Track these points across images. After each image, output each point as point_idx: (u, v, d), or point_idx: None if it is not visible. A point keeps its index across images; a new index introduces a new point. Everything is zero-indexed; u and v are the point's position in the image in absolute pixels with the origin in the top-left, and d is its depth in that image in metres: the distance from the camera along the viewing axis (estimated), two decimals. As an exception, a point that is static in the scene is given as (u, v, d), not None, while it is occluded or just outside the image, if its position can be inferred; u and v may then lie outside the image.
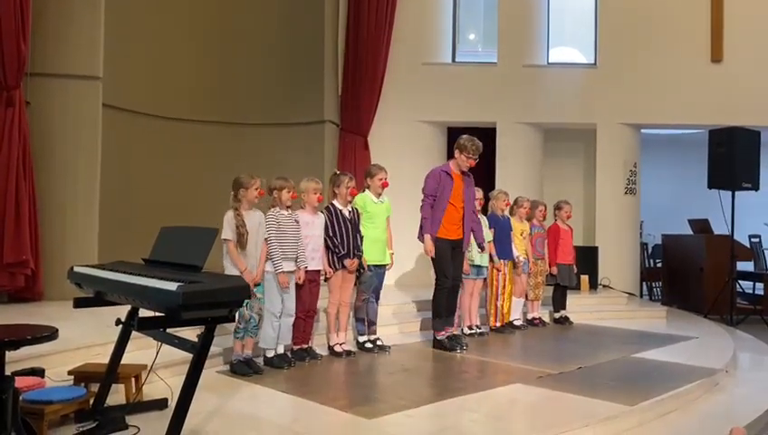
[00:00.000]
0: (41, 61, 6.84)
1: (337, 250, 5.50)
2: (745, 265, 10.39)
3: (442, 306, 6.03)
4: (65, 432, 3.51)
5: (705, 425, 4.21)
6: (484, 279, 6.86)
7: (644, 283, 11.25)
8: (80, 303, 3.71)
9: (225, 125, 9.60)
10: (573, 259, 7.81)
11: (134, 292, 3.15)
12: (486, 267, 6.79)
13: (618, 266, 9.86)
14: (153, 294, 2.97)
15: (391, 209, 6.04)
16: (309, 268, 5.29)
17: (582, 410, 4.13)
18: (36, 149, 6.77)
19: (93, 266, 3.78)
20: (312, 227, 5.39)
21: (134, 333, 3.64)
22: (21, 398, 3.14)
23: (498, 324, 7.04)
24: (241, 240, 4.77)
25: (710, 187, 8.95)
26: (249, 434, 3.68)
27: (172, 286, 2.86)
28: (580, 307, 8.11)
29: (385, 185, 5.89)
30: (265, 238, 4.99)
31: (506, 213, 7.19)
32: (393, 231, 6.09)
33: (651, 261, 12.09)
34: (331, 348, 5.66)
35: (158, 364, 3.79)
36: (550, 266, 7.57)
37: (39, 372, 3.97)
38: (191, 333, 3.82)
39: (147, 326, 3.15)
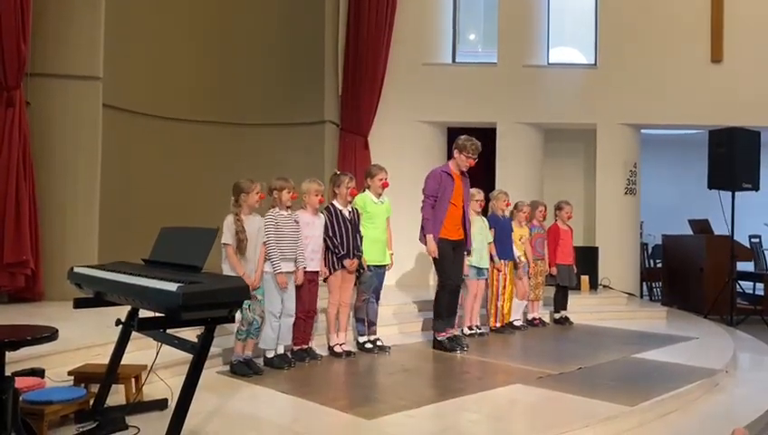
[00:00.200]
0: (41, 61, 6.84)
1: (337, 250, 5.50)
2: (745, 266, 10.40)
3: (444, 307, 6.02)
4: (65, 433, 3.51)
5: (706, 425, 4.21)
6: (486, 280, 6.86)
7: (644, 283, 11.25)
8: (80, 303, 3.71)
9: (225, 125, 9.60)
10: (573, 260, 7.80)
11: (134, 292, 3.15)
12: (487, 268, 6.79)
13: (618, 267, 9.86)
14: (153, 295, 2.97)
15: (391, 210, 6.04)
16: (308, 269, 5.29)
17: (582, 410, 4.13)
18: (36, 150, 6.77)
19: (93, 267, 3.78)
20: (313, 227, 5.39)
21: (134, 334, 3.64)
22: (21, 398, 3.14)
23: (498, 325, 7.04)
24: (240, 246, 4.77)
25: (710, 187, 8.95)
26: (249, 434, 3.68)
27: (172, 287, 2.86)
28: (581, 307, 8.11)
29: (385, 185, 5.89)
30: (264, 241, 4.99)
31: (506, 213, 7.19)
32: (393, 231, 6.09)
33: (651, 261, 12.09)
34: (330, 348, 5.66)
35: (158, 365, 3.78)
36: (549, 267, 7.57)
37: (39, 373, 3.97)
38: (191, 334, 3.82)
39: (147, 327, 3.15)
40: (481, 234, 6.67)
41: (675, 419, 4.27)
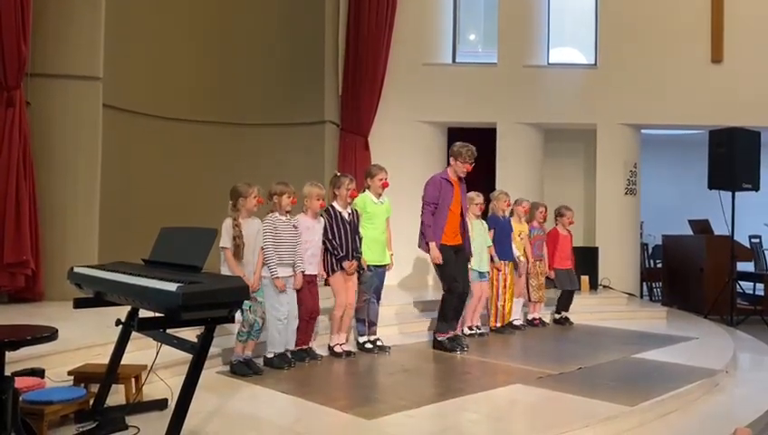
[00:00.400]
0: (41, 61, 6.84)
1: (336, 252, 5.50)
2: (745, 266, 10.40)
3: (450, 310, 6.01)
4: (65, 433, 3.51)
5: (706, 426, 4.22)
6: (488, 282, 6.86)
7: (644, 283, 11.25)
8: (80, 303, 3.71)
9: (225, 125, 9.59)
10: (573, 264, 7.81)
11: (134, 292, 3.15)
12: (488, 271, 6.80)
13: (618, 267, 9.86)
14: (153, 295, 2.97)
15: (391, 210, 6.03)
16: (307, 272, 5.30)
17: (583, 410, 4.13)
18: (36, 150, 6.77)
19: (93, 267, 3.78)
20: (313, 232, 5.40)
21: (134, 334, 3.64)
22: (21, 398, 3.14)
23: (498, 325, 7.04)
24: (237, 251, 4.77)
25: (710, 187, 8.95)
26: (249, 434, 3.68)
27: (172, 287, 2.86)
28: (581, 307, 8.10)
29: (385, 185, 5.89)
30: (262, 246, 4.98)
31: (507, 214, 7.20)
32: (394, 232, 6.09)
33: (651, 261, 12.09)
34: (331, 348, 5.66)
35: (158, 365, 3.78)
36: (548, 269, 7.58)
37: (39, 373, 3.97)
38: (191, 334, 3.82)
39: (147, 327, 3.15)
40: (480, 236, 6.67)
41: (675, 419, 4.27)
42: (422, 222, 5.94)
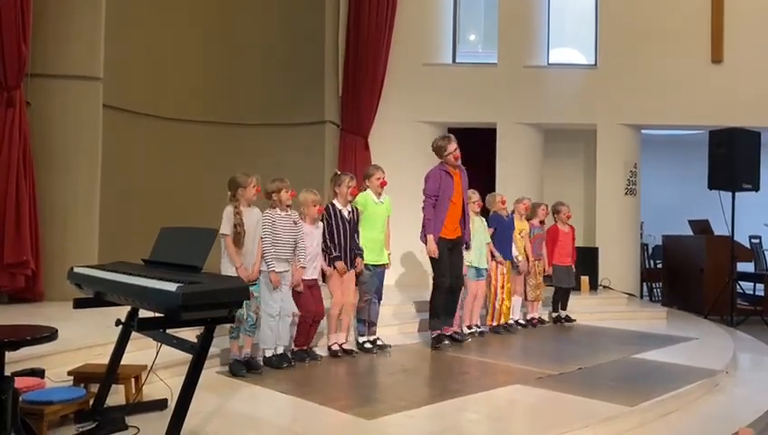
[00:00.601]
0: (41, 61, 6.84)
1: (329, 251, 5.50)
2: (746, 266, 10.39)
3: (439, 306, 6.03)
4: (65, 433, 3.51)
5: (706, 426, 4.22)
6: (485, 280, 6.86)
7: (644, 283, 11.25)
8: (80, 303, 3.71)
9: (225, 126, 9.60)
10: (573, 260, 7.81)
11: (134, 292, 3.15)
12: (486, 268, 6.80)
13: (618, 267, 9.86)
14: (153, 295, 2.97)
15: (392, 209, 6.04)
16: (306, 277, 5.30)
17: (582, 410, 4.13)
18: (37, 150, 6.77)
19: (93, 267, 3.78)
20: (311, 238, 5.40)
21: (134, 334, 3.64)
22: (21, 398, 3.14)
23: (497, 324, 7.04)
24: (238, 239, 4.78)
25: (710, 187, 8.95)
26: (249, 434, 3.68)
27: (172, 287, 2.86)
28: (581, 308, 8.11)
29: (383, 184, 5.89)
30: (261, 237, 4.99)
31: (509, 213, 7.18)
32: (393, 231, 6.09)
33: (651, 262, 12.08)
34: (330, 348, 5.66)
35: (158, 365, 3.78)
36: (547, 267, 7.58)
37: (39, 373, 3.97)
38: (191, 334, 3.82)
39: (146, 327, 3.15)
40: (479, 233, 6.67)
41: (675, 419, 4.27)
42: (424, 215, 5.95)
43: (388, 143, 9.80)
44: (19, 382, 3.26)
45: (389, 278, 6.99)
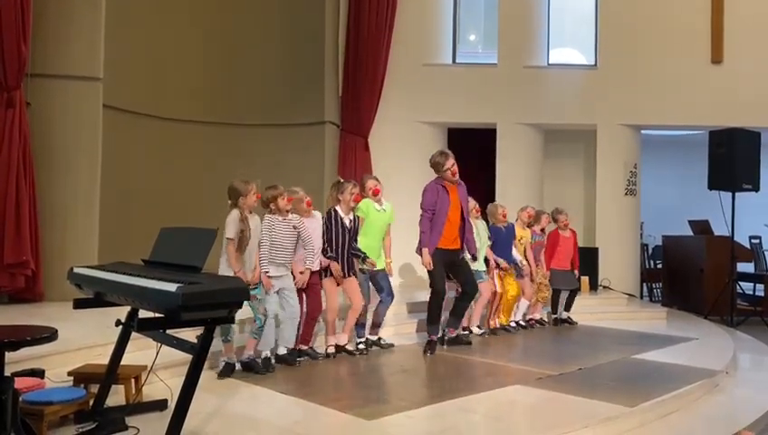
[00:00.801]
0: (41, 62, 6.84)
1: (324, 252, 5.50)
2: (746, 267, 10.39)
3: (436, 313, 6.00)
4: (65, 433, 3.51)
5: (706, 426, 4.22)
6: (486, 282, 6.85)
7: (644, 284, 11.25)
8: (80, 303, 3.71)
9: (225, 126, 9.60)
10: (576, 265, 7.80)
11: (134, 293, 3.15)
12: (485, 271, 6.80)
13: (618, 267, 9.86)
14: (153, 295, 2.97)
15: (394, 217, 6.04)
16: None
17: (582, 411, 4.13)
18: (37, 150, 6.77)
19: (93, 267, 3.78)
20: (315, 230, 5.41)
21: (134, 334, 3.63)
22: (21, 399, 3.14)
23: (497, 325, 7.04)
24: (242, 243, 4.77)
25: (710, 188, 8.95)
26: (249, 435, 3.69)
27: (171, 287, 2.86)
28: (581, 308, 8.09)
29: (376, 192, 5.89)
30: (259, 242, 4.99)
31: (508, 220, 7.18)
32: (394, 232, 6.09)
33: (651, 262, 12.08)
34: (325, 350, 5.65)
35: (158, 365, 3.78)
36: (545, 271, 7.59)
37: (39, 373, 3.97)
38: (191, 334, 3.81)
39: (146, 327, 3.15)
40: (479, 236, 6.67)
41: (675, 419, 4.27)
42: (420, 229, 5.95)
43: (388, 143, 9.80)
44: (19, 383, 3.26)
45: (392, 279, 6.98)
